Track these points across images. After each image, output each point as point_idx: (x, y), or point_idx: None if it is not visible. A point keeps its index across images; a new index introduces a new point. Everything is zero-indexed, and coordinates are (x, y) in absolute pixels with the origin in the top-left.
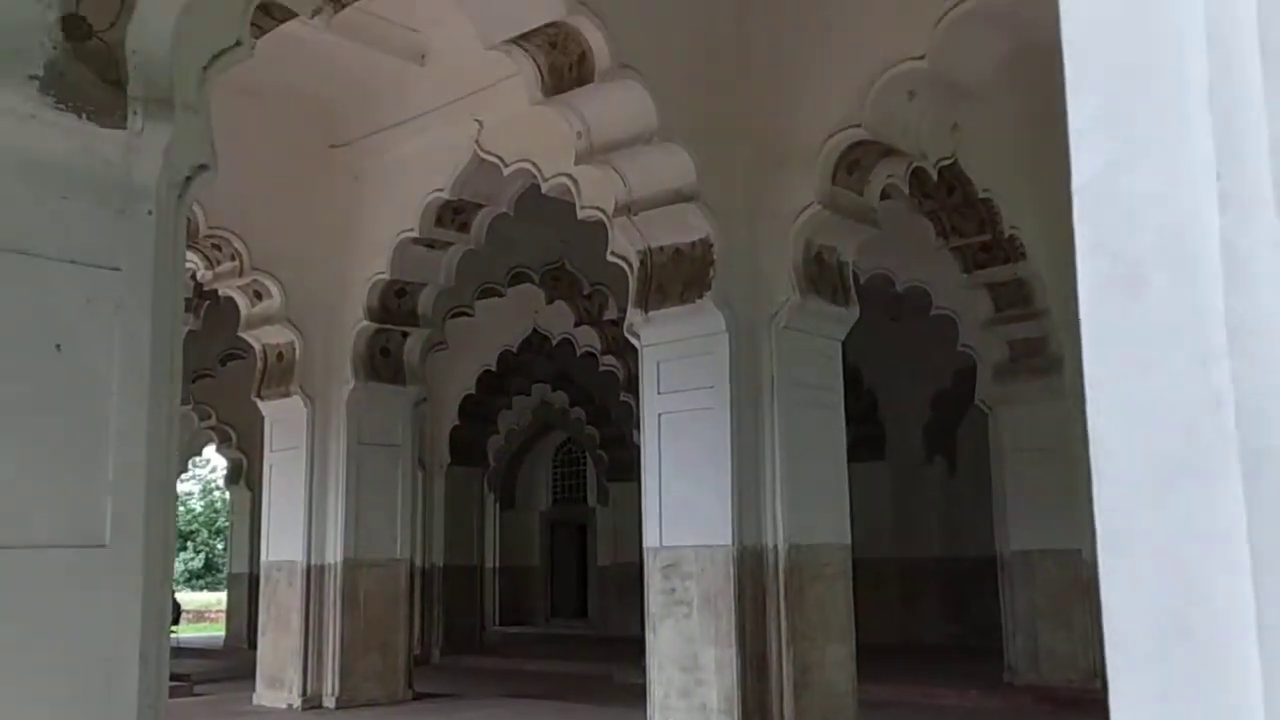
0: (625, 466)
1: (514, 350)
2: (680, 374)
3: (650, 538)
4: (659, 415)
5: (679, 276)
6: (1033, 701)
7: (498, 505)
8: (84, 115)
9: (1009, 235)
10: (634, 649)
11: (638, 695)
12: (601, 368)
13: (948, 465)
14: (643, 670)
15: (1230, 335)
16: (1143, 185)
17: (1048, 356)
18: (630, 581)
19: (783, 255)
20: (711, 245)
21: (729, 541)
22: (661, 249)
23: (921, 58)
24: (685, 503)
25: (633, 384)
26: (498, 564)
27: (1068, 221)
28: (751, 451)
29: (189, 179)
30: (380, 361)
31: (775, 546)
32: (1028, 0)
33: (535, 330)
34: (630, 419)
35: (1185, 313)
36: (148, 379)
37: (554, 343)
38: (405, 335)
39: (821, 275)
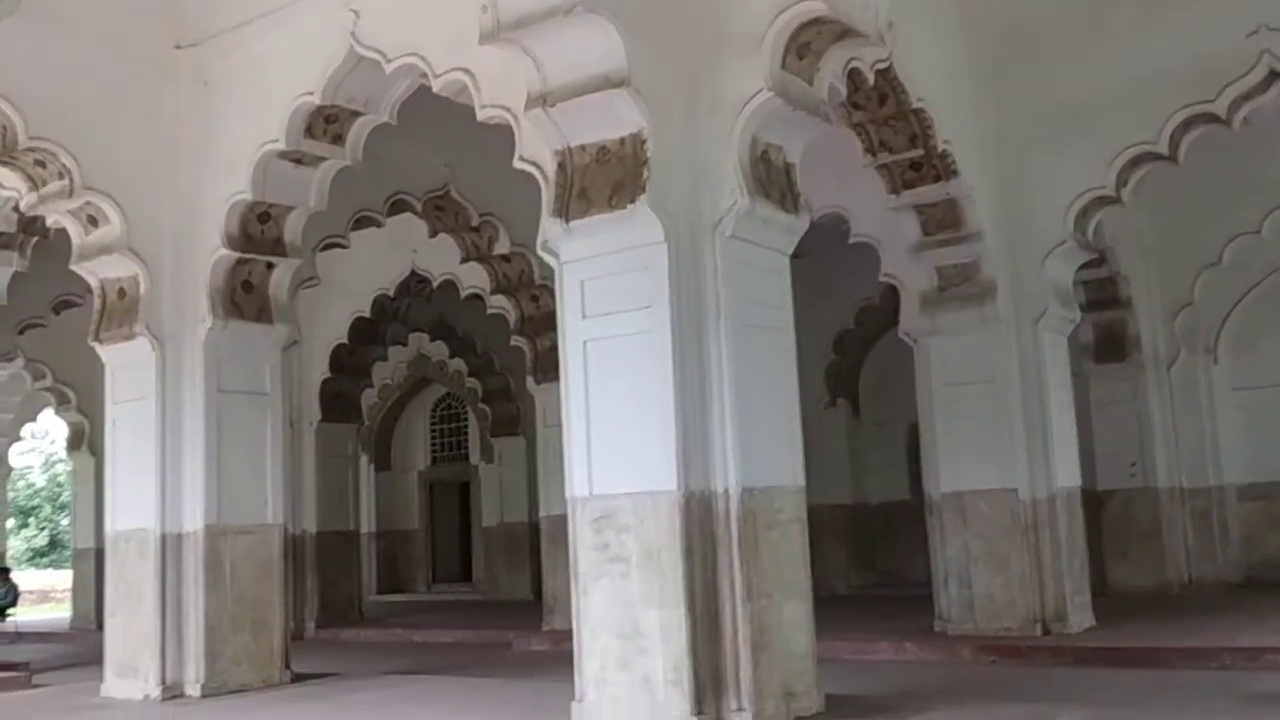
0: (510, 420)
1: (390, 294)
2: (610, 293)
3: (577, 486)
4: (584, 343)
5: (606, 179)
6: (973, 652)
7: (372, 466)
8: None
9: (941, 150)
10: (528, 613)
11: (544, 664)
12: (489, 310)
13: (851, 408)
14: (546, 636)
15: None
16: None
17: (980, 283)
18: (518, 542)
19: (726, 152)
20: (644, 141)
21: (673, 487)
22: (584, 148)
23: None
24: (619, 444)
25: (525, 326)
26: (374, 529)
27: (1004, 137)
28: (696, 381)
29: None
30: (242, 297)
31: (726, 491)
32: None
33: (414, 272)
34: (522, 366)
35: None
36: None
37: (434, 285)
38: (270, 267)
39: (769, 177)
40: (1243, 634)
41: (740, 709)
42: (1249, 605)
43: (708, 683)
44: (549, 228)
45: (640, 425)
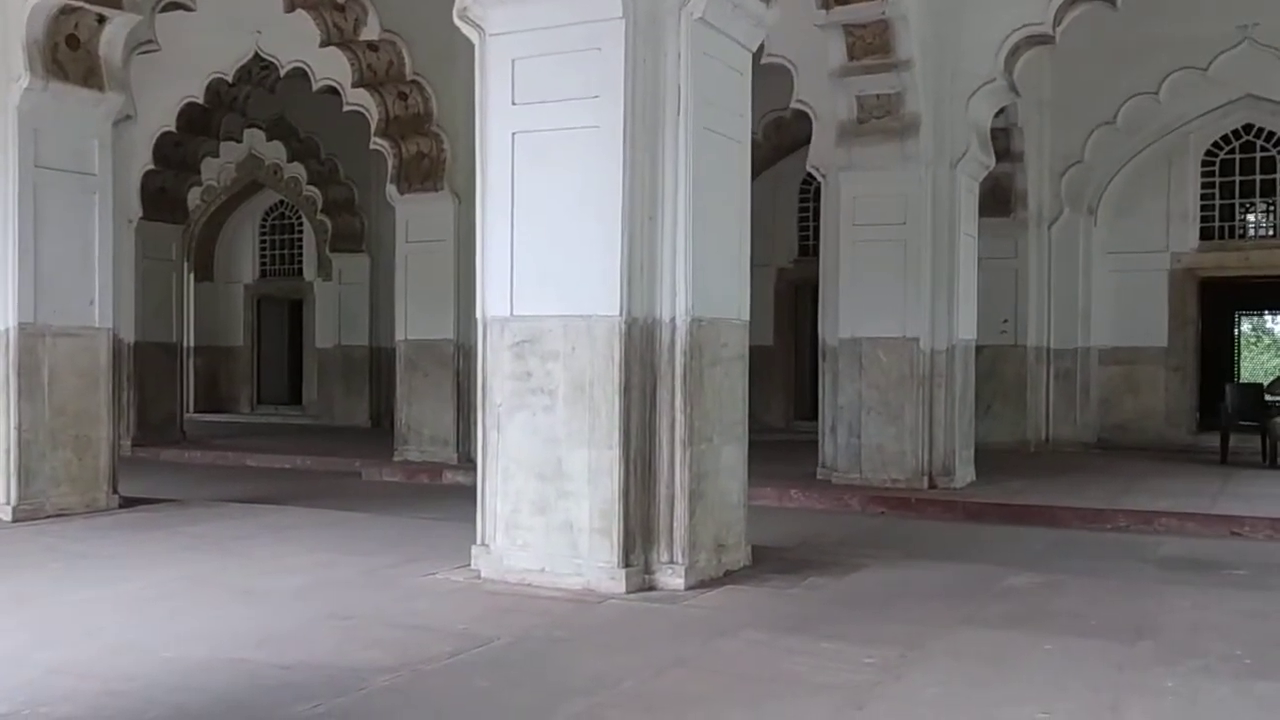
0: (353, 236)
1: (228, 80)
2: (549, 77)
3: (494, 305)
4: (512, 135)
5: None
6: (862, 502)
7: (192, 275)
8: None
9: None
10: (369, 442)
11: (401, 496)
12: (347, 107)
13: None
14: (399, 468)
15: None
16: None
17: (903, 117)
18: (356, 367)
19: None
20: None
21: (614, 311)
22: None
23: None
24: (551, 258)
25: (389, 127)
26: (192, 343)
27: None
28: (647, 189)
29: None
30: (66, 54)
31: (673, 320)
32: None
33: (257, 55)
34: (370, 176)
35: None
36: None
37: (281, 73)
38: (102, 20)
39: None
40: (1126, 497)
41: (672, 562)
42: (1114, 467)
43: (637, 532)
44: None
45: (577, 237)
